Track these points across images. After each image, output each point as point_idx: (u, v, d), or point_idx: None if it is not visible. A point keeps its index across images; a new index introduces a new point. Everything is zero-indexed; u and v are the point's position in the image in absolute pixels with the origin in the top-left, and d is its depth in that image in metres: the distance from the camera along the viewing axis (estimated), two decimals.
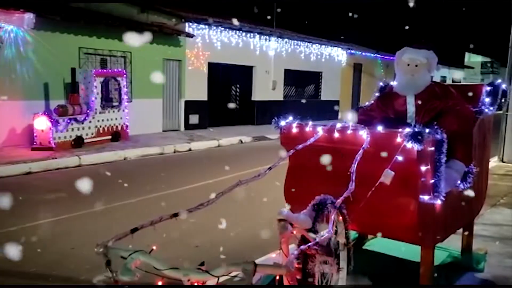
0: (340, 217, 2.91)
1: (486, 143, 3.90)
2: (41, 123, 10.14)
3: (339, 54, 21.89)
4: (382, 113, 3.82)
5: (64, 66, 11.23)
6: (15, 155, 9.27)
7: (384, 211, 3.11)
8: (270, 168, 2.96)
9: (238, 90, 17.95)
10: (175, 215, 2.40)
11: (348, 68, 22.68)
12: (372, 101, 4.05)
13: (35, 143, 10.21)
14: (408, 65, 3.65)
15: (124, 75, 12.22)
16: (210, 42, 15.62)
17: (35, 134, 10.25)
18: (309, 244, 2.33)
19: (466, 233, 4.10)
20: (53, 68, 11.13)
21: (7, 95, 10.32)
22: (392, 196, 3.02)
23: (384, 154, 2.93)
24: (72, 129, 10.67)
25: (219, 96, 16.84)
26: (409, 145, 2.80)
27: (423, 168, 2.95)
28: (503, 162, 10.10)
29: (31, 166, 8.65)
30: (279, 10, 18.39)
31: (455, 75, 32.56)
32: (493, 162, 9.71)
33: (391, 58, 22.27)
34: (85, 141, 10.91)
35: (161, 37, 13.85)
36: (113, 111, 11.85)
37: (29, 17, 10.04)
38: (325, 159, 3.20)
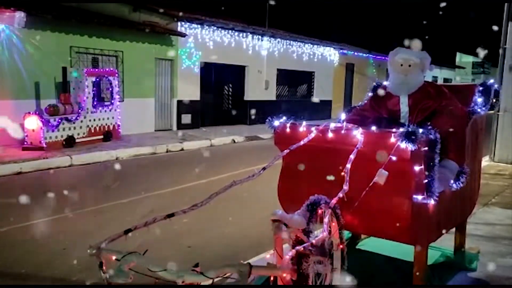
0: (334, 217, 2.91)
1: (479, 142, 3.91)
2: (32, 123, 10.06)
3: (331, 54, 21.94)
4: (376, 113, 3.83)
5: (55, 65, 11.14)
6: (5, 155, 9.18)
7: (377, 211, 3.11)
8: (264, 168, 2.94)
9: (230, 89, 17.94)
10: (169, 216, 2.38)
11: (341, 68, 22.74)
12: (366, 101, 4.06)
13: (26, 143, 10.12)
14: (402, 65, 3.66)
15: (116, 75, 12.15)
16: (203, 42, 15.59)
17: (26, 134, 10.15)
18: (304, 244, 2.32)
19: (458, 232, 4.12)
20: (44, 67, 11.04)
21: None
22: (386, 196, 3.02)
23: (378, 154, 2.92)
24: (64, 129, 10.59)
25: (212, 95, 16.82)
26: (403, 145, 2.80)
27: (416, 168, 2.95)
28: (494, 161, 10.17)
29: (22, 166, 8.57)
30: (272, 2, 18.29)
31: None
32: (485, 161, 9.78)
33: (383, 58, 22.37)
34: (77, 140, 10.83)
35: (153, 36, 13.81)
36: (105, 111, 11.78)
37: (20, 15, 9.94)
38: (319, 159, 3.20)
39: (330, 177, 3.10)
